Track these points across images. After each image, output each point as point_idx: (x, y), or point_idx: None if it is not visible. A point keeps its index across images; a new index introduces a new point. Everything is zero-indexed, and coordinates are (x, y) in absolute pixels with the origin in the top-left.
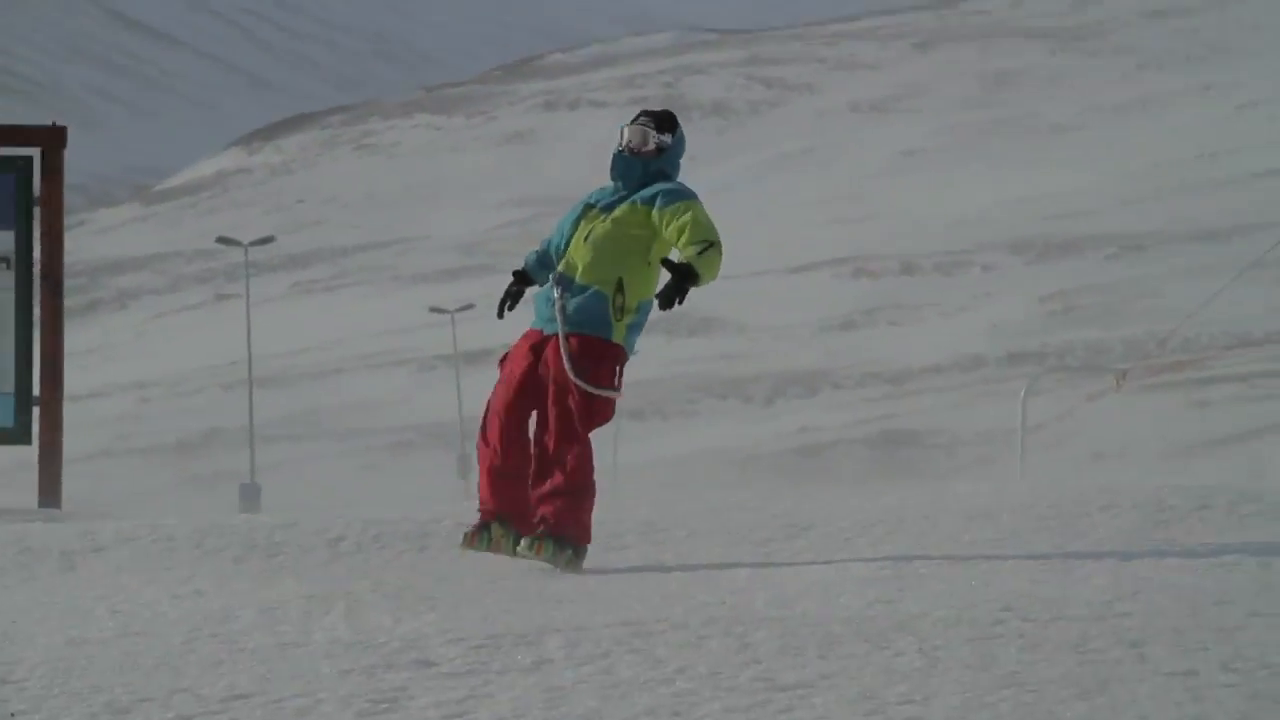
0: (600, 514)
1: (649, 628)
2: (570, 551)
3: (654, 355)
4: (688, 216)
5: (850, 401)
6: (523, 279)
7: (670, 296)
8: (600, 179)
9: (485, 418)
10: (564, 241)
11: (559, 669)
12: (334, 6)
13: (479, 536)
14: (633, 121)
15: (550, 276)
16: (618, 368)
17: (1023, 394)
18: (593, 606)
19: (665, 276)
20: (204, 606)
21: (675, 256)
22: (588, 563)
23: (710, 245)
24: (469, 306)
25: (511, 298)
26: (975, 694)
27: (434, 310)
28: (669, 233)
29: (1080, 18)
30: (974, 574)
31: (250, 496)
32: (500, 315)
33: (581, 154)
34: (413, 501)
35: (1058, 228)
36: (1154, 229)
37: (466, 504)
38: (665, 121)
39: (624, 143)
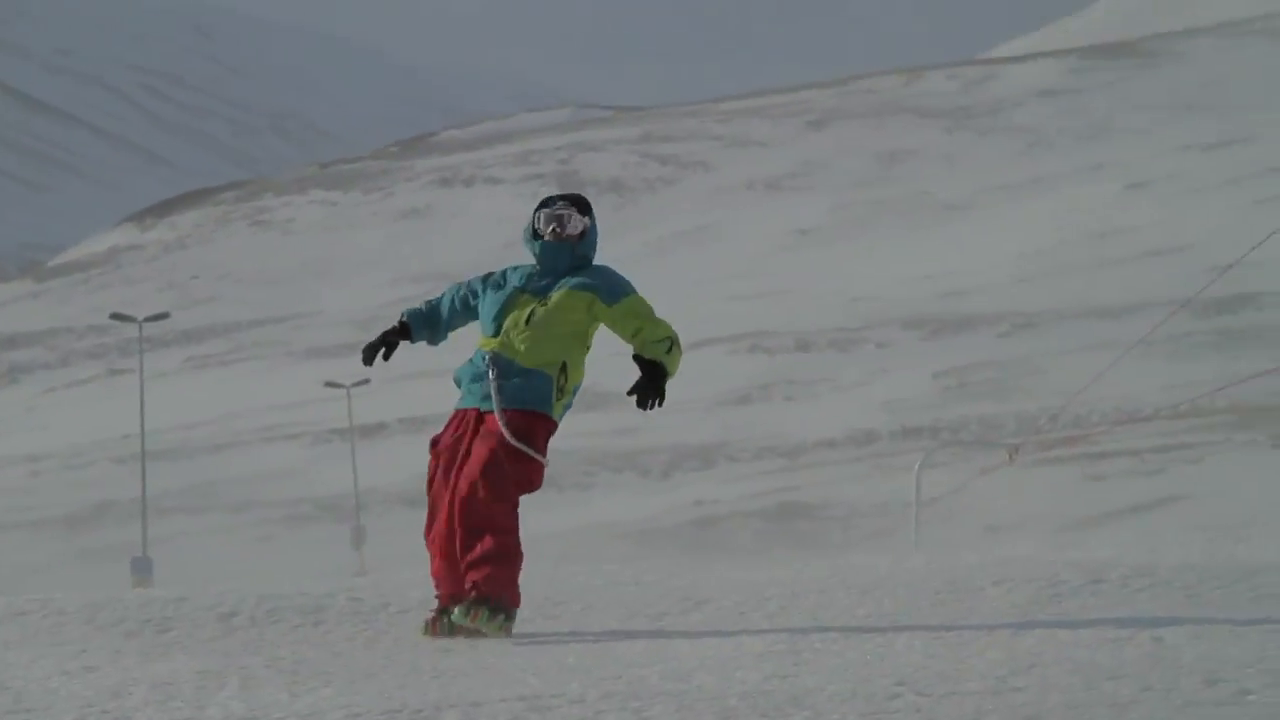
0: None
1: (545, 702)
2: (503, 616)
3: None
4: (637, 311)
5: (746, 474)
6: (402, 331)
7: (647, 395)
8: (496, 255)
9: (430, 502)
10: (490, 316)
11: None
12: (230, 83)
13: (439, 622)
14: (546, 207)
15: (483, 356)
16: (548, 440)
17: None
18: (489, 681)
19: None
20: (96, 683)
21: (635, 350)
22: (486, 637)
23: (673, 343)
24: (365, 381)
25: (387, 348)
26: None
27: (329, 384)
28: (620, 328)
29: (973, 97)
30: (869, 648)
31: (142, 570)
32: (367, 362)
33: (476, 230)
34: (307, 575)
35: (951, 305)
36: (1046, 307)
37: (360, 578)
38: (583, 205)
39: (545, 228)
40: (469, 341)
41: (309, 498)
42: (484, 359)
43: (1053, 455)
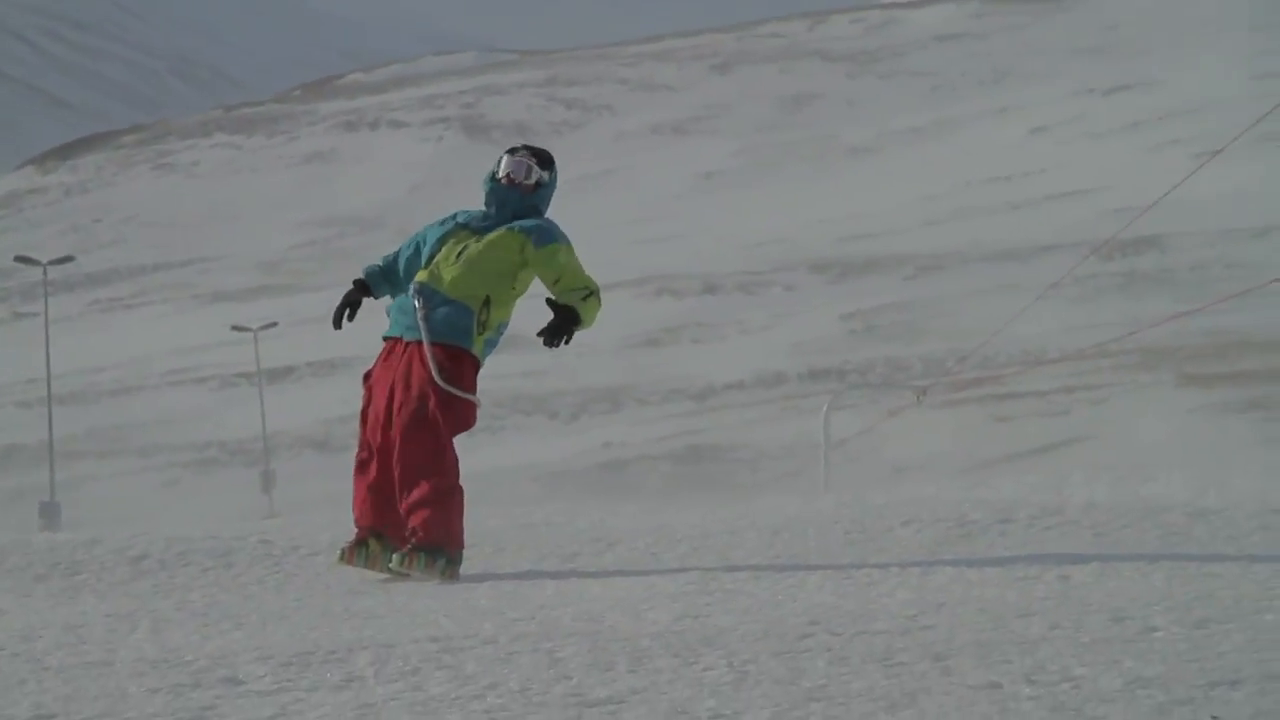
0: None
1: (458, 644)
2: (444, 560)
3: None
4: (561, 261)
5: (654, 417)
6: (362, 289)
7: (555, 334)
8: (401, 198)
9: (362, 436)
10: (428, 253)
11: (369, 686)
12: (131, 26)
13: (356, 552)
14: (512, 152)
15: (411, 286)
16: (475, 377)
17: (825, 409)
18: (401, 622)
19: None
20: (5, 625)
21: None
22: (398, 578)
23: (591, 293)
24: (272, 324)
25: (350, 306)
26: (785, 707)
27: (236, 328)
28: (542, 272)
29: (876, 41)
30: (780, 589)
31: (50, 514)
32: (337, 325)
33: (381, 174)
34: (216, 519)
35: (857, 248)
36: (951, 249)
37: (270, 521)
38: (545, 160)
39: (503, 172)
40: None
41: (216, 441)
42: (412, 289)
43: (960, 397)
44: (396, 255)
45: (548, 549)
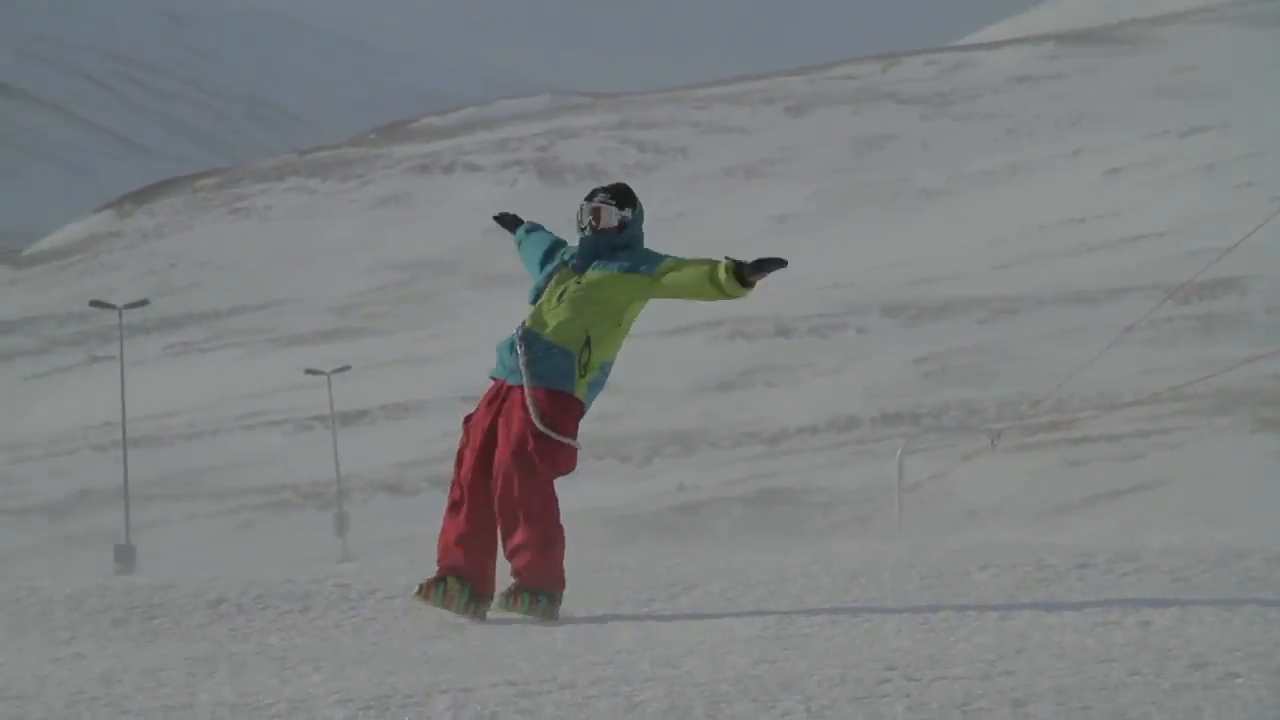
0: None
1: (535, 688)
2: (545, 600)
3: None
4: (674, 260)
5: (727, 460)
6: (513, 222)
7: (760, 267)
8: (475, 242)
9: (456, 475)
10: (535, 287)
11: None
12: (204, 70)
13: (434, 588)
14: (589, 198)
15: (515, 330)
16: (578, 421)
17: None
18: (478, 667)
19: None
20: (85, 669)
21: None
22: (475, 622)
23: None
24: (345, 368)
25: (503, 221)
26: None
27: (310, 372)
28: (672, 279)
29: (950, 83)
30: (857, 633)
31: (126, 558)
32: (501, 221)
33: (455, 217)
34: (290, 562)
35: (930, 291)
36: (1025, 292)
37: (345, 564)
38: (624, 196)
39: (584, 223)
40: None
41: (290, 484)
42: (516, 333)
43: (1034, 441)
44: (538, 237)
45: (624, 593)
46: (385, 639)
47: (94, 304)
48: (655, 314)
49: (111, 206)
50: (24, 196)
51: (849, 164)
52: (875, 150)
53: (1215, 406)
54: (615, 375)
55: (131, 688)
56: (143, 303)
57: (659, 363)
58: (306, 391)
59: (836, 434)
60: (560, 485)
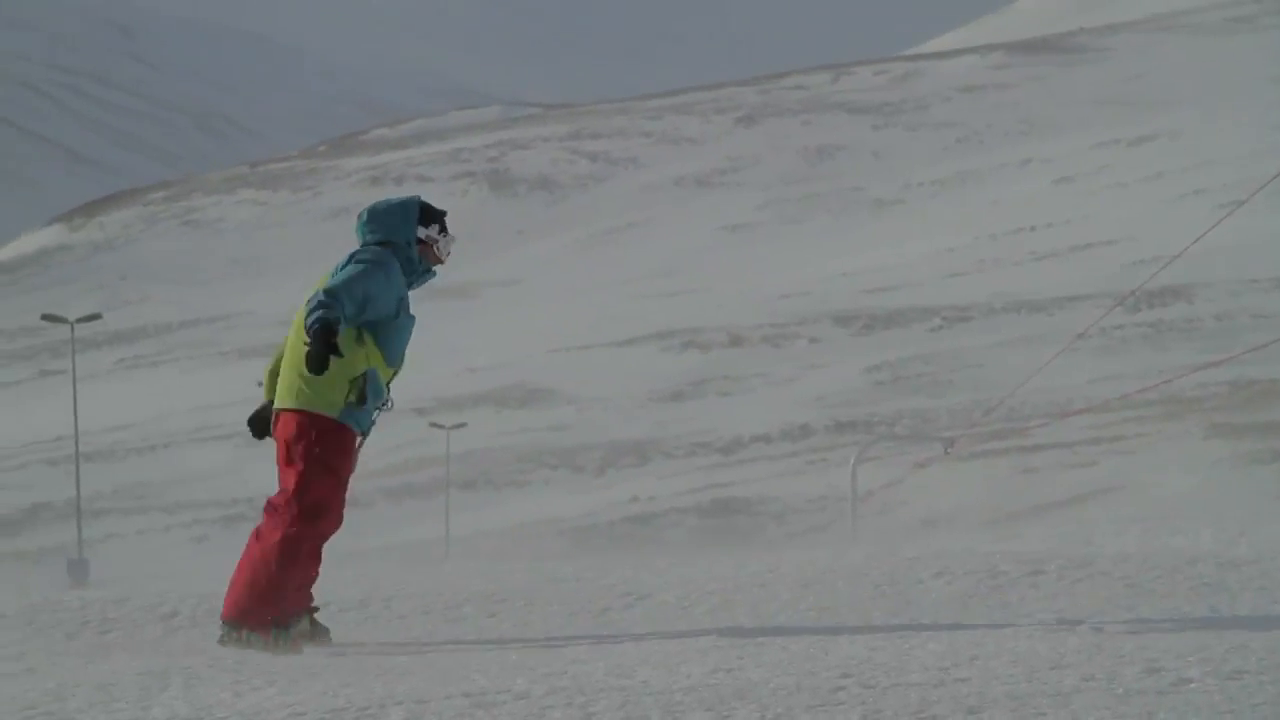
0: (436, 584)
1: (491, 699)
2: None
3: (483, 426)
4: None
5: (681, 471)
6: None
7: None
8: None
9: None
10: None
11: None
12: (154, 82)
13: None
14: (445, 231)
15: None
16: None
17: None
18: (433, 678)
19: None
20: (37, 684)
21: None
22: (429, 634)
23: (316, 306)
24: None
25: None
26: None
27: (261, 384)
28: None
29: (900, 93)
30: (812, 641)
31: (79, 572)
32: None
33: None
34: None
35: (882, 300)
36: (976, 301)
37: None
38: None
39: (445, 254)
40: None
41: (244, 498)
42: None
43: (986, 448)
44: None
45: (579, 603)
46: (339, 651)
47: (46, 318)
48: (605, 324)
49: (62, 220)
50: None
51: (800, 174)
52: (826, 160)
53: (1166, 413)
54: (568, 385)
55: (84, 702)
56: (95, 316)
57: (612, 373)
58: (257, 405)
59: (790, 443)
60: (515, 496)
